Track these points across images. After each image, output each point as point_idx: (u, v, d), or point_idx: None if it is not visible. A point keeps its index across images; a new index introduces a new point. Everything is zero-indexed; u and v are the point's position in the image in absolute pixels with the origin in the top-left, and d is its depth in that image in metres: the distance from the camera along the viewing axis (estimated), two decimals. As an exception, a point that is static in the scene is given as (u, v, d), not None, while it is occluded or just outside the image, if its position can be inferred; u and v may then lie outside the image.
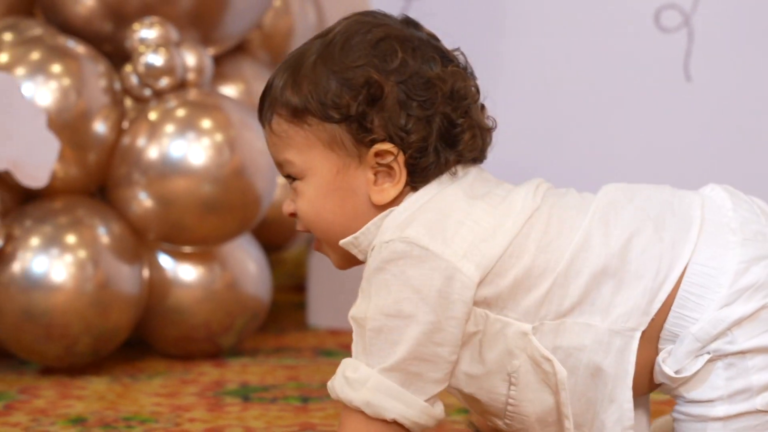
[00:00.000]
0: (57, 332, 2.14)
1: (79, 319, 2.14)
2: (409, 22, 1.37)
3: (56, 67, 2.21)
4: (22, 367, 2.24)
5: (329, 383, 1.30)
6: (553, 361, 1.28)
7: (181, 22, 2.31)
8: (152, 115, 2.24)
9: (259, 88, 2.50)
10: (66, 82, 2.20)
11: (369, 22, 1.35)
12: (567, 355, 1.29)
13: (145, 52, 2.24)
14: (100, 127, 2.22)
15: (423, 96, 1.31)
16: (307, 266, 2.72)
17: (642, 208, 1.32)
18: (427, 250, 1.26)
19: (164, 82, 2.25)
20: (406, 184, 1.32)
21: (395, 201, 1.32)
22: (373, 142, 1.30)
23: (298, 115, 1.32)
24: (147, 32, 2.26)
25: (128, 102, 2.29)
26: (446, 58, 1.35)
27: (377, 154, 1.31)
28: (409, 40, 1.33)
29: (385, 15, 1.37)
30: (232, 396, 1.99)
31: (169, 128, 2.21)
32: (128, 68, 2.27)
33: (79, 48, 2.26)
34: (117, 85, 2.27)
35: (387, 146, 1.30)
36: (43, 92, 2.18)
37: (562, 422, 1.31)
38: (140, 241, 2.25)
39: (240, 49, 2.54)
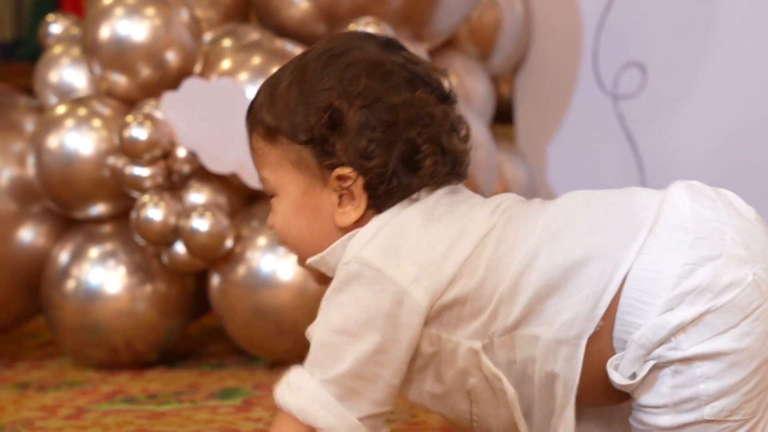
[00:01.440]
0: (286, 328, 2.19)
1: (307, 315, 2.18)
2: (388, 45, 1.35)
3: (277, 71, 2.26)
4: (252, 363, 2.31)
5: (276, 387, 1.30)
6: (503, 380, 1.27)
7: (393, 21, 2.34)
8: (370, 113, 2.28)
9: (469, 81, 2.56)
10: (287, 84, 2.25)
11: (344, 44, 1.34)
12: (523, 366, 1.28)
13: (363, 52, 2.28)
14: (320, 127, 2.27)
15: (385, 122, 1.29)
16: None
17: (593, 217, 1.28)
18: (379, 271, 1.26)
19: (381, 80, 2.28)
20: (370, 207, 1.31)
21: (359, 222, 1.32)
22: (334, 166, 1.31)
23: (271, 134, 1.33)
24: (362, 32, 2.30)
25: (345, 101, 2.34)
26: (418, 83, 1.32)
27: (339, 178, 1.31)
28: (380, 64, 1.31)
29: (364, 37, 1.37)
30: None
31: (388, 125, 2.24)
32: (345, 68, 2.31)
33: (297, 51, 2.30)
34: (335, 86, 2.31)
35: (346, 171, 1.30)
36: (265, 95, 2.24)
37: None
38: (362, 237, 2.29)
39: (449, 44, 2.56)
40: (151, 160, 2.21)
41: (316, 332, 1.29)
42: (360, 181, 1.30)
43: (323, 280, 1.36)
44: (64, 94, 2.38)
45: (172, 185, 2.24)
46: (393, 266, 1.26)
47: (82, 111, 2.29)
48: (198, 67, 2.31)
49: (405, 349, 1.27)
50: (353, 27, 2.30)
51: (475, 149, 2.25)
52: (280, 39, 2.34)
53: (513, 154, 2.63)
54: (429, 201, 1.31)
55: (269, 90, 1.35)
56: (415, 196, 1.31)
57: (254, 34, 2.38)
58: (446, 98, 1.34)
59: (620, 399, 1.29)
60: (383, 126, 1.29)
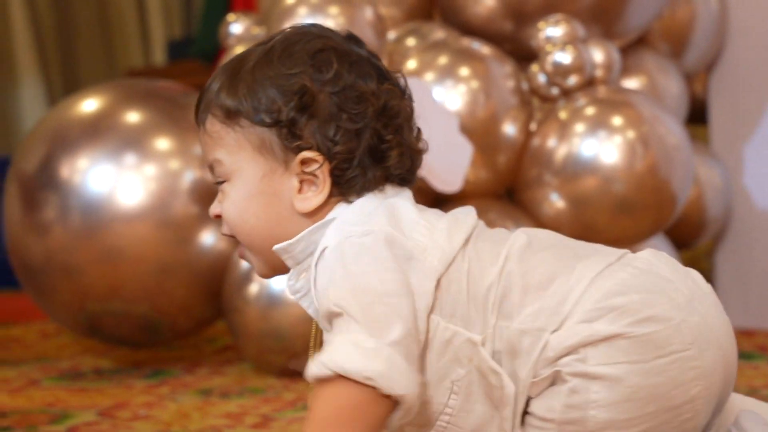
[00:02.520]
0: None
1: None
2: (351, 38, 1.35)
3: (464, 70, 2.19)
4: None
5: (319, 361, 1.20)
6: (502, 375, 1.24)
7: (583, 18, 2.26)
8: (562, 115, 2.20)
9: (662, 80, 2.45)
10: (474, 84, 2.18)
11: (310, 32, 1.34)
12: (498, 360, 1.25)
13: (552, 50, 2.20)
14: (509, 128, 2.20)
15: (355, 109, 1.29)
16: (713, 264, 2.61)
17: (564, 240, 1.31)
18: (393, 237, 1.25)
19: (572, 80, 2.20)
20: (334, 195, 1.30)
21: (320, 208, 1.30)
22: (300, 148, 1.29)
23: (231, 116, 1.31)
24: (553, 30, 2.22)
25: (534, 102, 2.26)
26: (383, 76, 1.33)
27: (303, 162, 1.29)
28: (347, 54, 1.32)
29: (328, 29, 1.37)
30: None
31: (579, 127, 2.17)
32: (535, 68, 2.23)
33: (484, 49, 2.24)
34: (524, 86, 2.24)
35: (313, 154, 1.29)
36: (452, 96, 2.18)
37: None
38: (552, 243, 2.21)
39: (640, 41, 2.47)
40: (335, 163, 2.16)
41: (358, 299, 1.22)
42: (326, 166, 1.29)
43: (268, 271, 1.34)
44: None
45: (358, 189, 2.19)
46: (402, 237, 1.26)
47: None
48: (382, 67, 2.25)
49: (423, 315, 1.24)
50: (543, 25, 2.23)
51: (670, 151, 2.17)
52: (466, 37, 2.28)
53: (707, 156, 2.52)
54: (406, 195, 1.32)
55: (229, 74, 1.33)
56: (382, 188, 1.31)
57: (439, 33, 2.32)
58: (408, 96, 1.35)
59: None
60: (353, 113, 1.29)
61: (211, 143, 1.33)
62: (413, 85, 2.13)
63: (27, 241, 2.36)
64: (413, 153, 1.33)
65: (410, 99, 1.35)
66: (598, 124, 2.16)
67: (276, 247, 1.31)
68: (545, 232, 1.32)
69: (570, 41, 2.20)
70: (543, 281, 1.24)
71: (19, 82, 4.65)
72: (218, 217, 1.35)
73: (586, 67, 2.20)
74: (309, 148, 1.29)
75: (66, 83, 4.76)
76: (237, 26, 2.44)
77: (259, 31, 2.40)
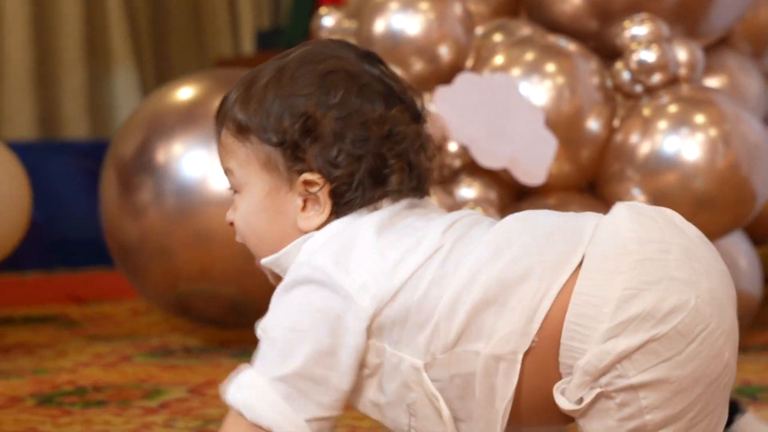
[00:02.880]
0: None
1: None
2: (366, 57, 1.37)
3: (550, 67, 2.24)
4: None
5: (224, 386, 1.30)
6: (439, 400, 1.28)
7: (668, 17, 2.30)
8: (645, 112, 2.24)
9: (743, 80, 2.48)
10: (560, 80, 2.23)
11: (325, 52, 1.35)
12: (465, 381, 1.27)
13: (637, 48, 2.24)
14: (593, 124, 2.25)
15: (358, 134, 1.31)
16: (791, 261, 2.64)
17: (533, 236, 1.28)
18: (330, 277, 1.27)
19: (656, 78, 2.24)
20: (333, 213, 1.33)
21: (321, 227, 1.33)
22: (302, 170, 1.32)
23: (242, 131, 1.34)
24: (638, 29, 2.26)
25: (618, 98, 2.31)
26: (393, 98, 1.34)
27: (306, 183, 1.32)
28: (358, 76, 1.34)
29: (344, 46, 1.38)
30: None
31: (662, 124, 2.21)
32: (619, 65, 2.28)
33: (570, 46, 2.28)
34: (608, 83, 2.29)
35: (314, 176, 1.32)
36: (538, 91, 2.23)
37: None
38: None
39: (722, 41, 2.50)
40: (422, 154, 2.22)
41: (269, 329, 1.29)
42: (326, 188, 1.32)
43: (279, 280, 1.37)
44: (336, 86, 2.40)
45: (443, 179, 2.25)
46: (342, 272, 1.28)
47: (355, 103, 2.31)
48: (469, 62, 2.31)
49: (352, 354, 1.28)
50: (628, 24, 2.27)
51: (752, 149, 2.20)
52: (552, 34, 2.32)
53: (787, 156, 2.55)
54: (386, 213, 1.33)
55: (244, 87, 1.36)
56: (377, 204, 1.33)
57: (525, 30, 2.37)
58: (418, 117, 1.36)
59: (565, 421, 1.29)
60: (356, 138, 1.31)
61: (225, 154, 1.38)
62: (499, 81, 2.21)
63: (123, 223, 2.45)
64: (422, 172, 1.35)
65: (423, 119, 1.37)
66: (681, 121, 2.20)
67: (265, 260, 1.35)
68: (509, 226, 1.30)
69: (655, 40, 2.24)
70: (510, 305, 1.25)
71: (114, 70, 4.75)
72: (233, 224, 1.39)
73: (669, 65, 2.24)
74: (310, 170, 1.32)
75: (158, 72, 4.86)
76: (328, 19, 2.50)
77: (349, 25, 2.46)
